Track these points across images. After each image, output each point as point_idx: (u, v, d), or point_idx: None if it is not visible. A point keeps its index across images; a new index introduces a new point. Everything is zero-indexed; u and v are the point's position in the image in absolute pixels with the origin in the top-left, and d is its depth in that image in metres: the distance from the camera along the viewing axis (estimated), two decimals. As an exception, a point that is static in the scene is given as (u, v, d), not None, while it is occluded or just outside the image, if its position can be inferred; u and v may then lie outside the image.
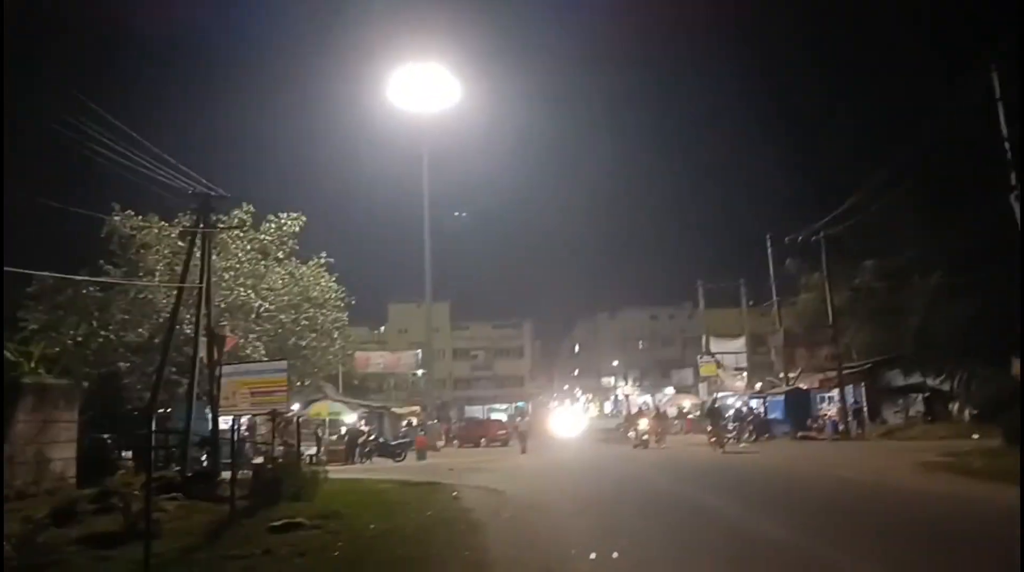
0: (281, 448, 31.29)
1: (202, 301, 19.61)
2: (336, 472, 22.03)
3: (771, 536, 8.59)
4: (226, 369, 17.67)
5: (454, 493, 14.86)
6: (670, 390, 76.75)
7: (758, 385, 47.24)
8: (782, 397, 32.93)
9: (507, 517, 10.86)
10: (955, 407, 36.32)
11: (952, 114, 29.91)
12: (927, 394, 36.68)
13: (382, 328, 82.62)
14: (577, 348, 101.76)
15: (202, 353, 20.06)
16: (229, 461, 20.09)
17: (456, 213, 45.37)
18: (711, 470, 18.82)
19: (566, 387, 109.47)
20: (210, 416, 20.15)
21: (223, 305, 29.54)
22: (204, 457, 19.95)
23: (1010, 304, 35.45)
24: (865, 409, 34.21)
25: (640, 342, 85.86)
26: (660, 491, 14.28)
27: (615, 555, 7.69)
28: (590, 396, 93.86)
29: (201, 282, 19.99)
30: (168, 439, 20.99)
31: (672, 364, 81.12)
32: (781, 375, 49.88)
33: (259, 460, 17.69)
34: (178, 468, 17.74)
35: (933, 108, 35.08)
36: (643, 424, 31.52)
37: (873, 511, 10.55)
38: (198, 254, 19.82)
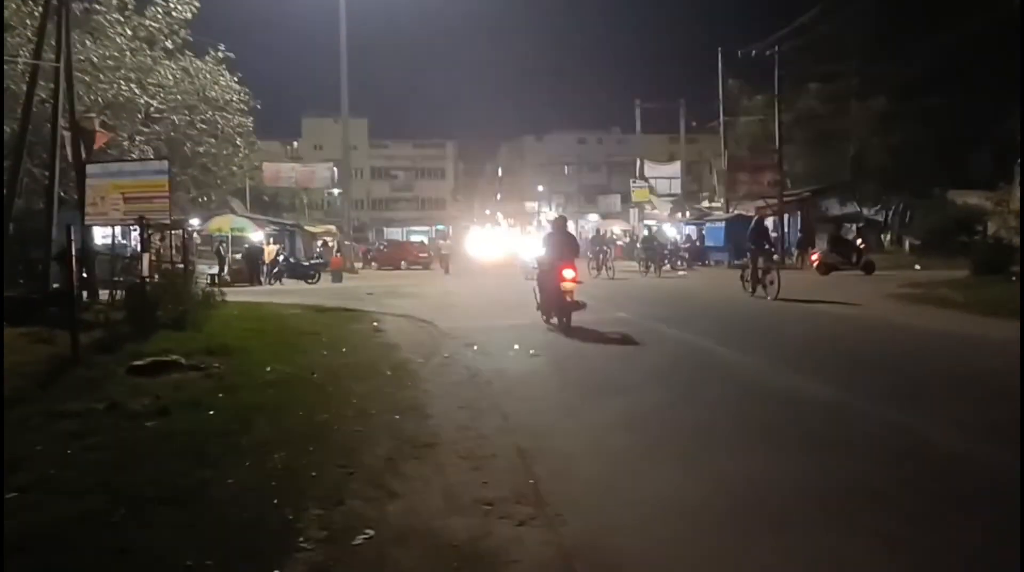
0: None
1: (60, 83, 15.88)
2: (238, 294, 19.46)
3: (816, 397, 6.54)
4: (91, 168, 14.36)
5: (375, 323, 12.52)
6: (594, 217, 75.50)
7: (686, 213, 45.68)
8: (721, 225, 31.41)
9: (445, 358, 8.57)
10: (887, 238, 35.92)
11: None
12: (861, 224, 35.99)
13: (295, 143, 77.51)
14: (501, 171, 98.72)
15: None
16: (119, 280, 17.22)
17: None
18: (678, 301, 17.06)
19: (488, 211, 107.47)
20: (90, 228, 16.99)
21: (102, 101, 25.39)
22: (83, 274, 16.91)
23: (949, 134, 34.66)
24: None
25: (566, 167, 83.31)
26: (632, 324, 12.27)
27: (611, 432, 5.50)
28: (512, 221, 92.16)
29: (58, 60, 16.18)
30: (27, 251, 17.70)
31: (598, 190, 79.43)
32: (708, 203, 48.73)
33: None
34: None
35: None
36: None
37: (898, 357, 8.67)
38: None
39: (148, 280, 11.78)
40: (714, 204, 47.56)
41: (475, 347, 9.50)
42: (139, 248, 11.12)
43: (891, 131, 36.11)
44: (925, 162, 35.17)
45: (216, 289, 15.48)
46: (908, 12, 35.66)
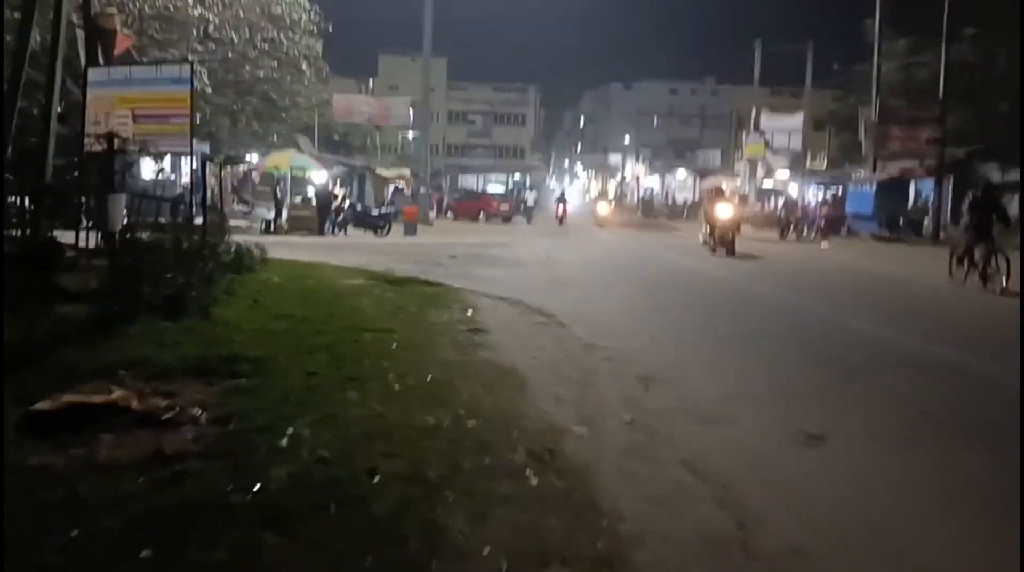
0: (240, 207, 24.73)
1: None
2: (293, 248, 15.74)
3: None
4: (93, 74, 10.63)
5: (469, 312, 8.48)
6: (682, 172, 70.03)
7: (783, 172, 39.98)
8: (869, 188, 26.38)
9: (628, 427, 4.42)
10: (1055, 213, 30.16)
11: None
12: (1025, 195, 30.36)
13: (371, 82, 73.75)
14: (583, 121, 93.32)
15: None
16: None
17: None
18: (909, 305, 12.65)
19: (567, 163, 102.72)
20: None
21: (148, 10, 21.86)
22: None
23: None
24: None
25: (655, 118, 77.47)
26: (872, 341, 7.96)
27: None
28: (593, 173, 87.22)
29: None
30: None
31: (688, 145, 73.73)
32: (823, 165, 43.17)
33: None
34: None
35: None
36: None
37: None
38: None
39: (124, 237, 7.86)
40: (816, 166, 42.10)
41: (660, 388, 5.34)
42: (109, 185, 7.26)
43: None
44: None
45: (255, 245, 11.71)
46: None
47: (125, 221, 8.09)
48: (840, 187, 30.56)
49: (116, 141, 7.79)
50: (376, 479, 3.48)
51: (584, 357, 6.31)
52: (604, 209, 36.57)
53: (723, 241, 17.43)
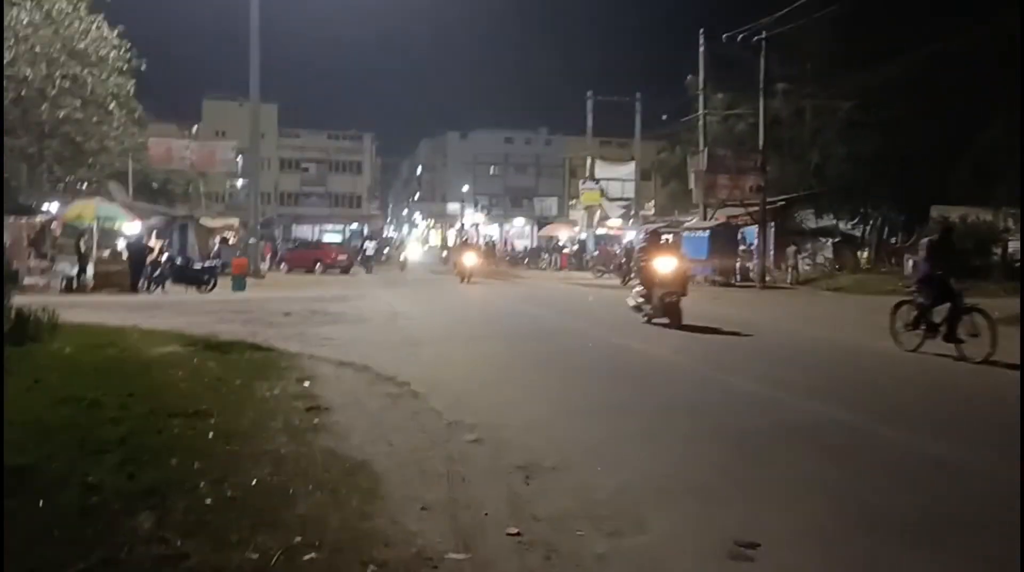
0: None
1: None
2: (99, 308, 13.76)
3: None
4: None
5: (306, 383, 7.24)
6: (520, 221, 71.08)
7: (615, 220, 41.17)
8: (703, 234, 27.23)
9: (518, 546, 3.42)
10: (864, 254, 32.63)
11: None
12: (837, 239, 32.62)
13: (195, 128, 69.87)
14: (420, 169, 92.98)
15: None
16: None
17: None
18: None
19: (405, 211, 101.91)
20: None
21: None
22: None
23: (919, 145, 31.62)
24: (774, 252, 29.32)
25: (492, 168, 78.34)
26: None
27: None
28: (432, 222, 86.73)
29: None
30: None
31: (524, 193, 75.02)
32: (652, 212, 44.93)
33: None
34: None
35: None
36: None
37: None
38: None
39: None
40: (647, 213, 43.85)
41: (547, 481, 4.42)
42: None
43: (855, 141, 32.76)
44: (891, 175, 31.91)
45: (44, 308, 9.85)
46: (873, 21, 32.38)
47: None
48: (673, 234, 31.55)
49: None
50: None
51: (449, 440, 5.29)
52: (472, 260, 28.35)
53: (666, 307, 12.69)
